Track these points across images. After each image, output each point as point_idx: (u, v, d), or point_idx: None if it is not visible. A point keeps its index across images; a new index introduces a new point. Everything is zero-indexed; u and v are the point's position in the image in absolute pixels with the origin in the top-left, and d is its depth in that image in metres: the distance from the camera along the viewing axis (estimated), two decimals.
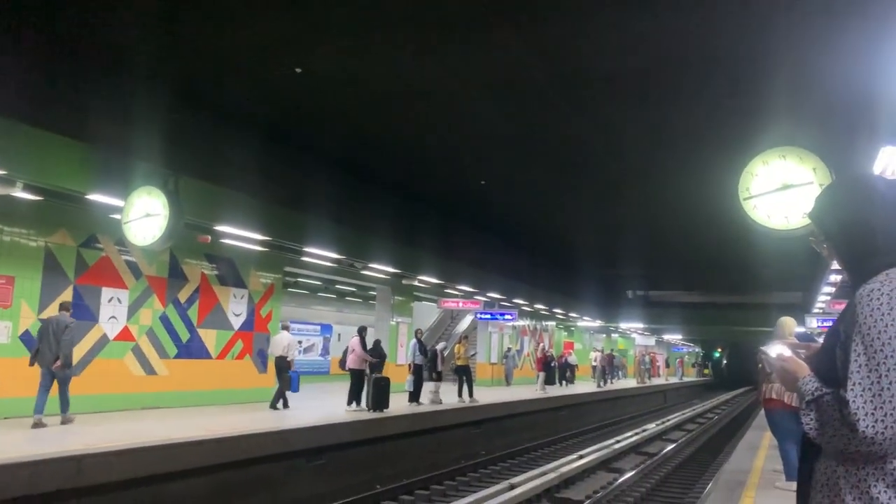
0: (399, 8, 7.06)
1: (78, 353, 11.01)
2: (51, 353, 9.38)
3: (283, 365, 13.00)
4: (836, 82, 7.65)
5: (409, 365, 15.65)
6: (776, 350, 1.83)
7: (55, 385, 9.54)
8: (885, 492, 1.52)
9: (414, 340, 15.98)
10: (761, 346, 1.94)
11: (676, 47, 7.70)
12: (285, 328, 13.64)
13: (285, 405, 12.88)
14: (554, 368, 26.51)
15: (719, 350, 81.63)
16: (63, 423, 9.56)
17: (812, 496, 1.66)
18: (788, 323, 6.97)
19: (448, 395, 16.32)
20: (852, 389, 1.53)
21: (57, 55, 8.24)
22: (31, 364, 9.46)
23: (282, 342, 13.14)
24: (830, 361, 1.67)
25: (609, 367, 32.68)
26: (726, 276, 27.16)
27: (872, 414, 1.49)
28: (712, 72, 8.14)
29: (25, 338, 10.30)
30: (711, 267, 25.19)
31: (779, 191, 6.23)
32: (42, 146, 8.20)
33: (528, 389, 23.35)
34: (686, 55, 7.83)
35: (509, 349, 26.85)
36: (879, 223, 1.72)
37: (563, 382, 28.01)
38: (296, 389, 13.31)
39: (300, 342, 23.93)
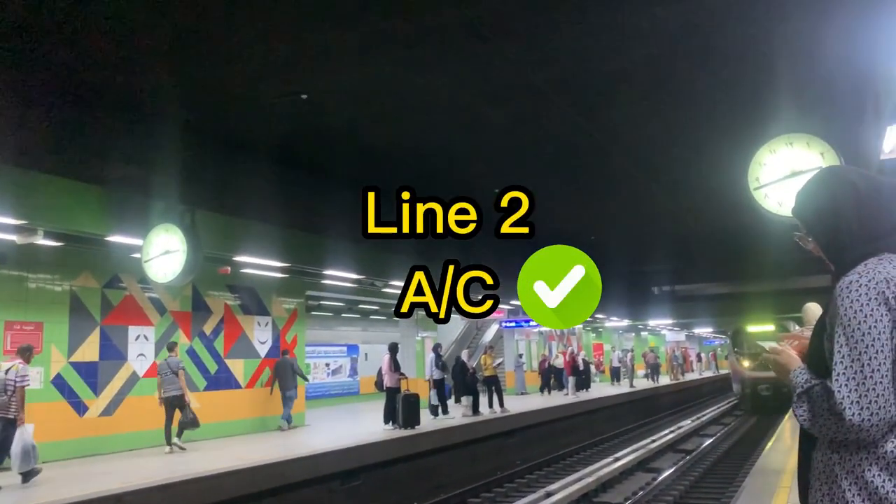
0: (392, 27, 7.14)
1: (109, 392, 11.20)
2: (285, 383, 13.91)
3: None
4: (839, 63, 7.55)
5: (429, 380, 15.71)
6: (770, 344, 1.86)
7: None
8: (879, 475, 1.57)
9: (432, 355, 16.00)
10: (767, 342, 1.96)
11: (667, 42, 7.65)
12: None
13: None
14: (582, 372, 25.81)
15: None
16: (281, 429, 13.82)
17: (811, 484, 1.70)
18: (813, 308, 6.87)
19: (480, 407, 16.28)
20: (836, 380, 1.57)
21: (69, 102, 8.42)
22: (271, 392, 14.01)
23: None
24: (819, 353, 1.70)
25: (653, 366, 33.99)
26: (752, 264, 26.78)
27: (857, 402, 1.53)
28: (709, 63, 8.09)
29: (57, 382, 10.46)
30: (737, 256, 24.86)
31: (788, 178, 6.16)
32: (60, 192, 8.38)
33: (555, 396, 23.19)
34: (679, 49, 7.79)
35: (521, 355, 25.35)
36: (855, 214, 1.75)
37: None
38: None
39: (327, 364, 24.13)
